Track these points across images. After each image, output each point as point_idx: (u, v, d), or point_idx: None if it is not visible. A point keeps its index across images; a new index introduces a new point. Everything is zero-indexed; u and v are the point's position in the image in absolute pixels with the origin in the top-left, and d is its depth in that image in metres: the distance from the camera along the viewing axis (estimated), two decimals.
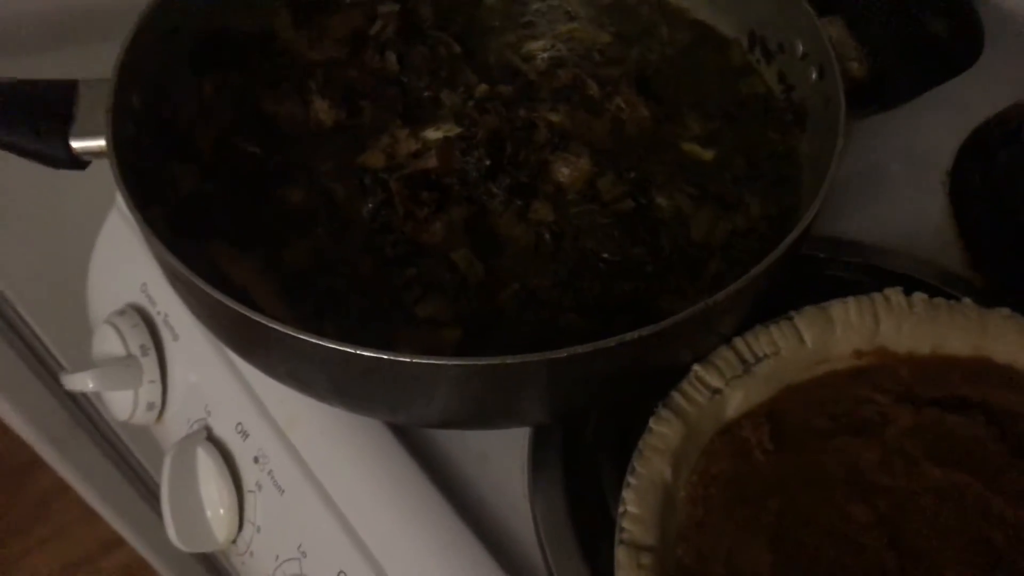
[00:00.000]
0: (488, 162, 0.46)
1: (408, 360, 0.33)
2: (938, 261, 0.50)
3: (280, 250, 0.44)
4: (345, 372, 0.36)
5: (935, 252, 0.51)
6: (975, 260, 0.50)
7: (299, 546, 0.43)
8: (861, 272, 0.49)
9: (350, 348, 0.34)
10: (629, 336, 0.34)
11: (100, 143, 0.42)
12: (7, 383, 0.68)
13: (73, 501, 0.93)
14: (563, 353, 0.34)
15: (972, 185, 0.53)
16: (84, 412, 0.74)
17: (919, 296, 0.41)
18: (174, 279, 0.40)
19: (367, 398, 0.38)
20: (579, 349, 0.34)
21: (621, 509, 0.35)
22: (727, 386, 0.39)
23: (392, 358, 0.33)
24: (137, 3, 0.47)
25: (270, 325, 0.35)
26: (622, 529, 0.35)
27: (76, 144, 0.43)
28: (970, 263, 0.50)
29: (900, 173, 0.55)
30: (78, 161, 0.44)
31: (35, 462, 0.86)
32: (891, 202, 0.53)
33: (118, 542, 1.01)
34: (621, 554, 0.34)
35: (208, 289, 0.36)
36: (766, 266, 0.37)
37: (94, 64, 0.45)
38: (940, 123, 0.56)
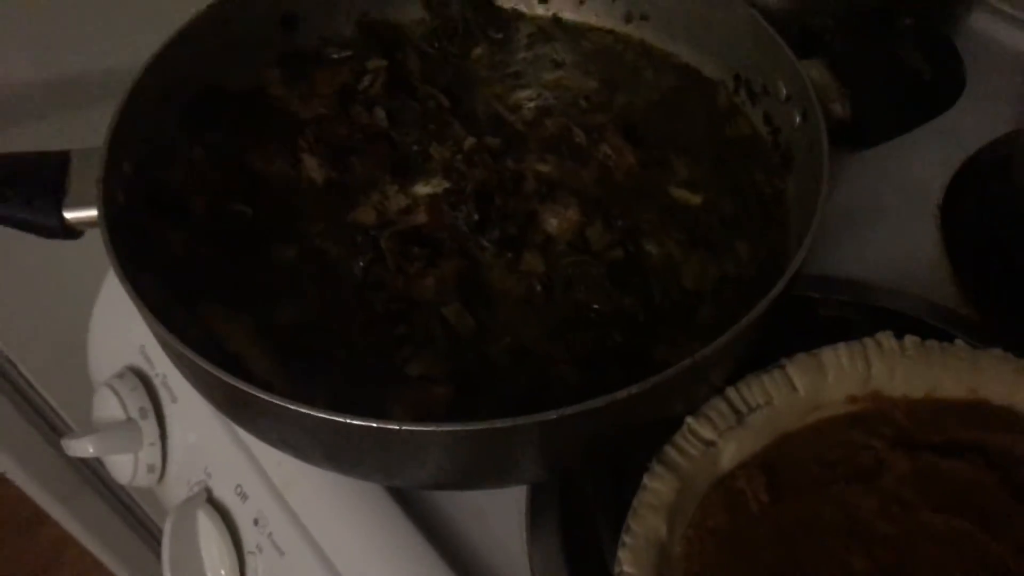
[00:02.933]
0: (477, 216, 0.47)
1: (397, 427, 0.34)
2: (932, 297, 0.50)
3: (272, 310, 0.45)
4: (335, 439, 0.36)
5: (929, 288, 0.51)
6: (969, 295, 0.50)
7: None
8: (854, 311, 0.49)
9: (339, 417, 0.34)
10: (619, 395, 0.34)
11: (92, 213, 0.43)
12: (12, 443, 0.68)
13: (85, 551, 0.93)
14: (553, 415, 0.34)
15: (964, 219, 0.53)
16: (90, 468, 0.74)
17: (911, 339, 0.41)
18: (166, 347, 0.40)
19: (359, 463, 0.38)
20: (568, 410, 0.34)
21: (617, 569, 0.35)
22: (721, 438, 0.39)
23: (380, 426, 0.34)
24: (127, 68, 0.47)
25: (258, 394, 0.35)
26: None
27: (69, 215, 0.43)
28: (964, 298, 0.50)
29: (892, 208, 0.55)
30: (72, 231, 0.44)
31: (47, 512, 0.86)
32: (884, 237, 0.53)
33: None
34: None
35: (197, 359, 0.36)
36: (753, 318, 0.37)
37: (85, 131, 0.46)
38: (930, 156, 0.56)
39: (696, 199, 0.49)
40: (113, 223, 0.42)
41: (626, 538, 0.36)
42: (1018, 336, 0.44)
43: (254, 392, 0.35)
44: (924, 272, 0.52)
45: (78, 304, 0.58)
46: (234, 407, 0.39)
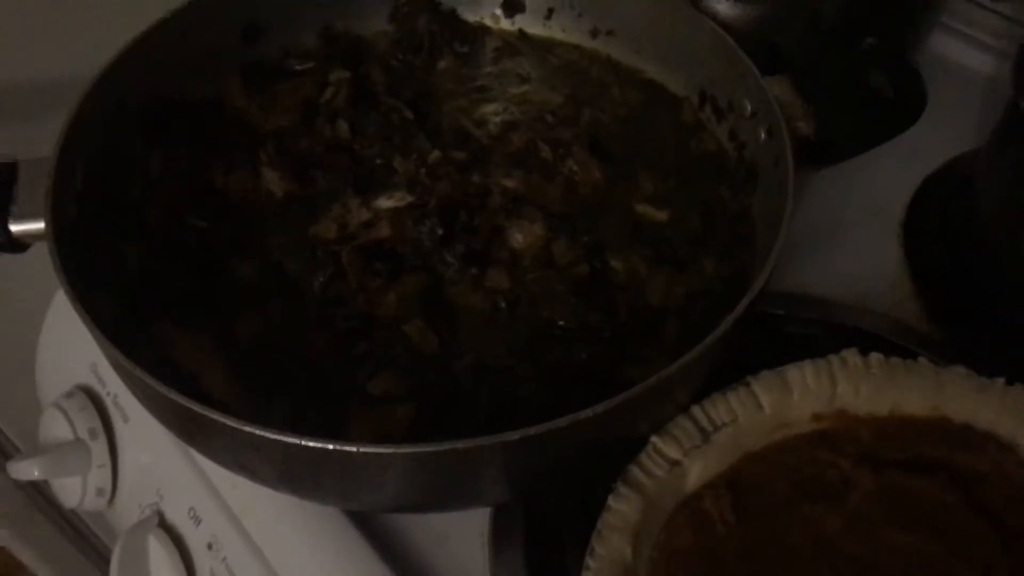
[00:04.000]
0: (441, 230, 0.46)
1: (354, 449, 0.33)
2: (895, 314, 0.50)
3: (230, 327, 0.43)
4: (291, 461, 0.35)
5: (892, 305, 0.51)
6: (930, 312, 0.50)
7: None
8: (819, 328, 0.49)
9: (293, 439, 0.33)
10: (583, 414, 0.34)
11: (40, 226, 0.41)
12: None
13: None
14: (515, 435, 0.33)
15: (925, 236, 0.53)
16: (41, 493, 0.72)
17: (875, 357, 0.41)
18: (117, 367, 0.38)
19: (316, 486, 0.37)
20: (532, 431, 0.33)
21: None
22: (686, 457, 0.38)
23: (337, 447, 0.32)
24: (83, 77, 0.46)
25: (212, 416, 0.34)
26: None
27: (15, 228, 0.42)
28: (926, 315, 0.50)
29: (855, 225, 0.55)
30: (18, 245, 0.43)
31: None
32: (847, 254, 0.54)
33: None
34: None
35: (149, 379, 0.35)
36: (718, 336, 0.36)
37: (37, 141, 0.44)
38: (893, 174, 0.57)
39: (661, 215, 0.49)
40: (62, 236, 0.41)
41: (591, 561, 0.35)
42: (978, 353, 0.44)
43: (207, 413, 0.34)
44: (887, 289, 0.52)
45: (27, 321, 0.56)
46: (188, 429, 0.38)
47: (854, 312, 0.50)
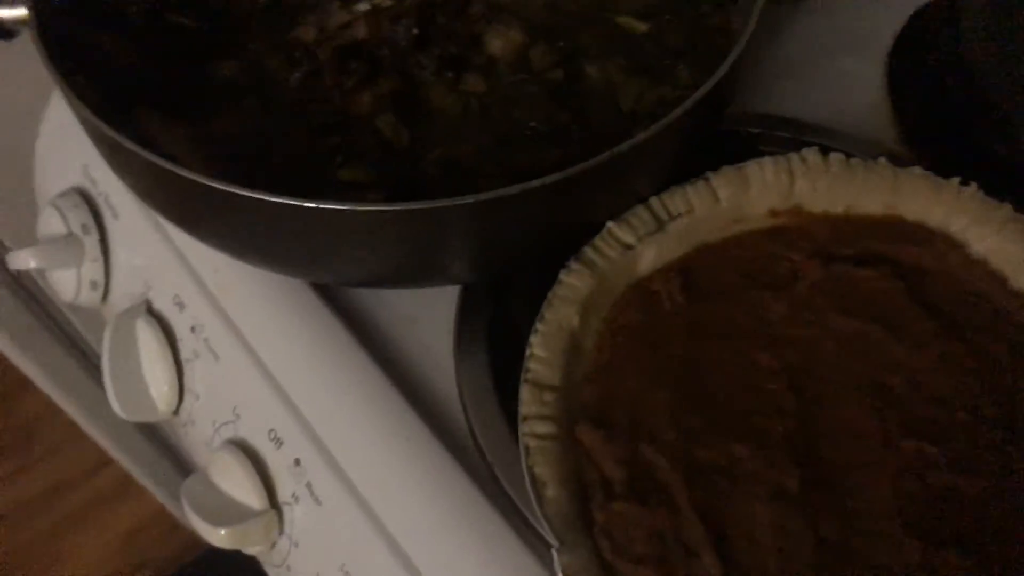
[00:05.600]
0: (416, 30, 0.46)
1: (313, 206, 0.34)
2: (872, 137, 0.50)
3: (210, 120, 0.45)
4: (258, 224, 0.37)
5: (870, 129, 0.51)
6: (907, 136, 0.50)
7: (234, 408, 0.44)
8: (794, 147, 0.49)
9: (258, 195, 0.34)
10: (532, 184, 0.35)
11: (23, 11, 0.42)
12: None
13: (61, 423, 0.96)
14: (469, 199, 0.35)
15: (910, 65, 0.53)
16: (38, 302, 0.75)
17: (835, 156, 0.41)
18: (98, 141, 0.40)
19: (283, 253, 0.39)
20: (483, 196, 0.35)
21: (528, 352, 0.37)
22: (640, 242, 0.39)
23: (298, 204, 0.34)
24: None
25: (184, 175, 0.35)
26: (527, 370, 0.36)
27: (1, 14, 0.43)
28: (903, 139, 0.50)
29: (844, 54, 0.55)
30: (5, 32, 0.44)
31: (22, 386, 0.88)
32: (832, 82, 0.53)
33: (107, 461, 1.05)
34: (525, 392, 0.35)
35: (128, 144, 0.36)
36: (674, 118, 0.37)
37: None
38: (884, 5, 0.56)
39: (642, 27, 0.49)
40: (45, 22, 0.42)
41: (539, 325, 0.37)
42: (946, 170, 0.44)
43: (181, 172, 0.35)
44: (867, 115, 0.52)
45: (26, 127, 0.58)
46: (165, 197, 0.40)
47: (830, 134, 0.50)
